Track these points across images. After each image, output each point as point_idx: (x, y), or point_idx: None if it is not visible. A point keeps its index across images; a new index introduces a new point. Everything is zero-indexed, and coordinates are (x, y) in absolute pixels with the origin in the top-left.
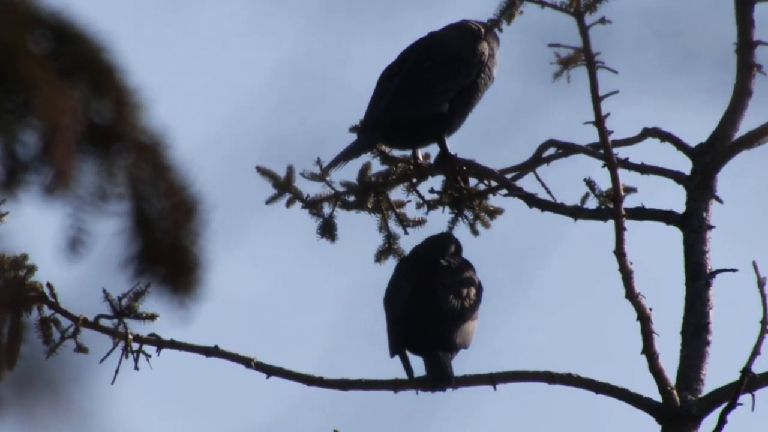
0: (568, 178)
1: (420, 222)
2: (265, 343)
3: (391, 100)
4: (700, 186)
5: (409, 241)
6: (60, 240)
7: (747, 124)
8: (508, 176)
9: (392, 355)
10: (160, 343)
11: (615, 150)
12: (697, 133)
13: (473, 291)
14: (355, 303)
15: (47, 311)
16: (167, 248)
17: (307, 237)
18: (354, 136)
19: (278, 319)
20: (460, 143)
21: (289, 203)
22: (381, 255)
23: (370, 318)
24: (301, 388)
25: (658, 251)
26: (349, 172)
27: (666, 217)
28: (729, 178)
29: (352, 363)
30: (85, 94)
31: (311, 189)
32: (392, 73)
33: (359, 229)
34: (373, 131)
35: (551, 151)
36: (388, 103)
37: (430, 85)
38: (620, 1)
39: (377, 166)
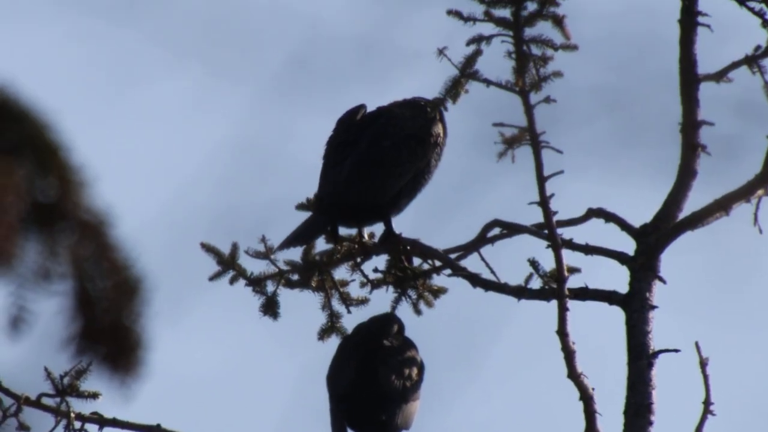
0: (512, 258)
1: (363, 301)
2: (210, 421)
3: (350, 181)
4: (643, 266)
5: (352, 320)
6: (2, 318)
7: (691, 204)
8: (453, 256)
9: None
10: (102, 422)
11: (559, 230)
12: (641, 210)
13: (415, 371)
14: (301, 380)
15: None
16: (109, 327)
17: (251, 314)
18: (301, 214)
19: (223, 397)
20: (404, 222)
21: (232, 280)
22: (324, 333)
23: (316, 396)
24: None
25: (600, 331)
26: (293, 250)
27: (609, 297)
28: (672, 258)
29: None
30: (28, 172)
31: (255, 266)
32: (343, 147)
33: (302, 306)
34: (326, 214)
35: (496, 231)
36: (346, 184)
37: (390, 166)
38: (568, 78)
39: (322, 245)
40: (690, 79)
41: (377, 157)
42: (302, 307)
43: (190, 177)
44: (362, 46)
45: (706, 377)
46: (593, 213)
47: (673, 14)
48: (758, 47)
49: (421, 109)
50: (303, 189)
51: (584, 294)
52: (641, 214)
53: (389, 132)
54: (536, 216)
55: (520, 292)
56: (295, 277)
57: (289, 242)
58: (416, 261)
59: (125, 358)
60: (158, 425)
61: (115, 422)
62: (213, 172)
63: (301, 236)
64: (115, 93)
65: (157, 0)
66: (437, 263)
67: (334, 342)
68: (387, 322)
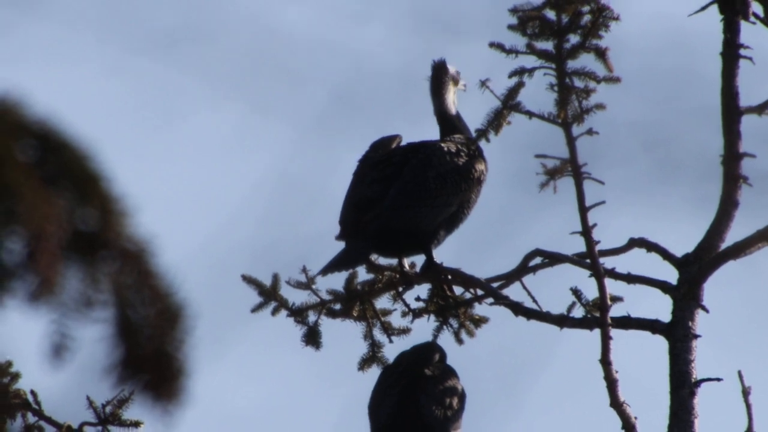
0: (554, 288)
1: (405, 331)
2: None
3: (394, 207)
4: (686, 295)
5: (393, 350)
6: (45, 346)
7: (733, 234)
8: (494, 285)
9: None
10: None
11: (601, 260)
12: (683, 243)
13: (456, 400)
14: (344, 411)
15: (31, 418)
16: (151, 355)
17: (294, 345)
18: (340, 245)
19: (266, 429)
20: (446, 252)
21: (274, 311)
22: (365, 363)
23: (359, 426)
24: None
25: (643, 360)
26: (335, 280)
27: (652, 326)
28: (715, 288)
29: None
30: (70, 202)
31: (297, 297)
32: (383, 166)
33: (344, 336)
34: (367, 241)
35: (537, 260)
36: (390, 210)
37: (433, 197)
38: (608, 112)
39: (363, 275)
40: (732, 111)
41: (421, 186)
42: (344, 337)
43: (233, 212)
44: (404, 80)
45: (749, 406)
46: (635, 243)
47: (710, 49)
48: None
49: (464, 145)
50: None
51: (627, 323)
52: (682, 247)
53: (434, 163)
54: (577, 247)
55: (563, 321)
56: (337, 306)
57: (332, 267)
58: (458, 290)
59: (167, 385)
60: None
61: None
62: (255, 207)
63: (344, 261)
64: (159, 128)
65: (200, 36)
66: (479, 292)
67: (375, 372)
68: (428, 351)
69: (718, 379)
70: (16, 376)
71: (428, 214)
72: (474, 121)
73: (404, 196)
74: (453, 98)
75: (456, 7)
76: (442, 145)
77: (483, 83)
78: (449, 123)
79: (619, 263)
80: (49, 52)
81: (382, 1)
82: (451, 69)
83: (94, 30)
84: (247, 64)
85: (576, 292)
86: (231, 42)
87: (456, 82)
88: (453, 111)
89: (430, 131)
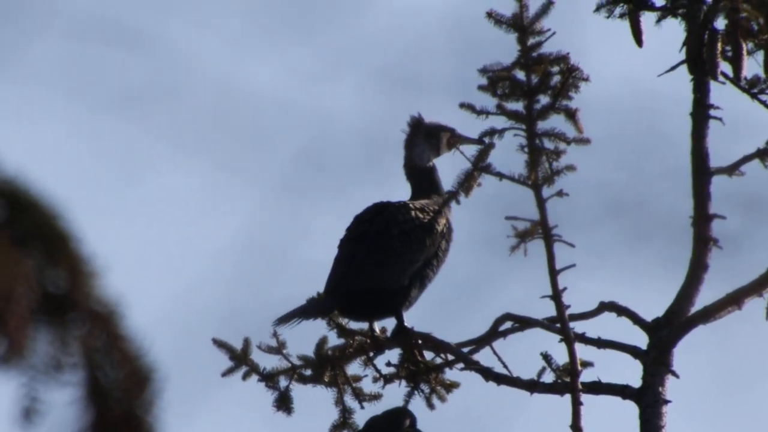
0: (524, 352)
1: (376, 396)
2: None
3: (359, 267)
4: (656, 360)
5: (364, 416)
6: (14, 409)
7: (703, 298)
8: (465, 350)
9: None
10: None
11: (572, 324)
12: (653, 307)
13: None
14: None
15: None
16: (121, 418)
17: (264, 410)
18: None
19: None
20: (416, 316)
21: (245, 376)
22: (335, 429)
23: None
24: None
25: (614, 425)
26: (306, 345)
27: (622, 391)
28: (685, 352)
29: None
30: (39, 263)
31: (268, 362)
32: (353, 237)
33: (316, 402)
34: (332, 297)
35: (508, 324)
36: (356, 270)
37: (398, 254)
38: (577, 174)
39: (334, 340)
40: (702, 172)
41: (387, 244)
42: (316, 402)
43: (200, 273)
44: (370, 141)
45: None
46: (605, 307)
47: (678, 112)
48: None
49: (429, 203)
50: (312, 287)
51: (597, 388)
52: (652, 311)
53: (398, 220)
54: (547, 311)
55: (533, 386)
56: (308, 372)
57: (291, 316)
58: (429, 355)
59: None
60: None
61: None
62: (222, 270)
63: (304, 312)
64: (126, 187)
65: (166, 95)
66: (450, 357)
67: None
68: (399, 416)
69: None
70: None
71: (395, 272)
72: (444, 183)
73: (370, 257)
74: (429, 154)
75: (421, 67)
76: (407, 203)
77: (453, 144)
78: (419, 176)
79: (590, 327)
80: (15, 110)
81: (348, 61)
82: (443, 124)
83: (61, 89)
84: (212, 123)
85: (546, 357)
86: (197, 101)
87: (449, 138)
88: (425, 164)
89: (397, 192)
